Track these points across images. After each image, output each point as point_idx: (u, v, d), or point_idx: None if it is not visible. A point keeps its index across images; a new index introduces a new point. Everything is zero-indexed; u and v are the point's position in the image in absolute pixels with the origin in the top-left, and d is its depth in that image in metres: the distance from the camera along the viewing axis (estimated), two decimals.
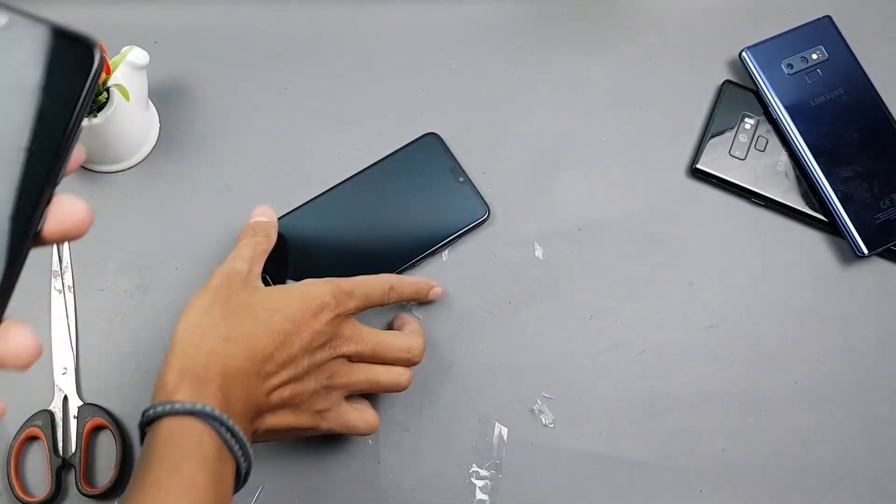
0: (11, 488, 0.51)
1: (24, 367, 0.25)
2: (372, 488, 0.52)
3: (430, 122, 0.60)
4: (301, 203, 0.56)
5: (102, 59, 0.26)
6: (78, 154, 0.26)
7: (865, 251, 0.56)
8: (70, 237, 0.26)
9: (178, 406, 0.38)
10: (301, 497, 0.52)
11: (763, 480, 0.53)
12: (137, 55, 0.54)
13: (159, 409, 0.38)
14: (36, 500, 0.51)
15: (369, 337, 0.47)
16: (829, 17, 0.61)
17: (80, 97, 0.26)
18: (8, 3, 0.26)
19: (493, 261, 0.57)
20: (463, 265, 0.57)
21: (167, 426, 0.38)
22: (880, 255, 0.58)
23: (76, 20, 0.63)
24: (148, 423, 0.39)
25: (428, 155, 0.52)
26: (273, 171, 0.59)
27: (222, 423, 0.38)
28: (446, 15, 0.64)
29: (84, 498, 0.51)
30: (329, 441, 0.53)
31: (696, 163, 0.59)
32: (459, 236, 0.52)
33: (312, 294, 0.45)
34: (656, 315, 0.57)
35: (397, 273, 0.54)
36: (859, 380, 0.56)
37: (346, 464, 0.52)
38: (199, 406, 0.38)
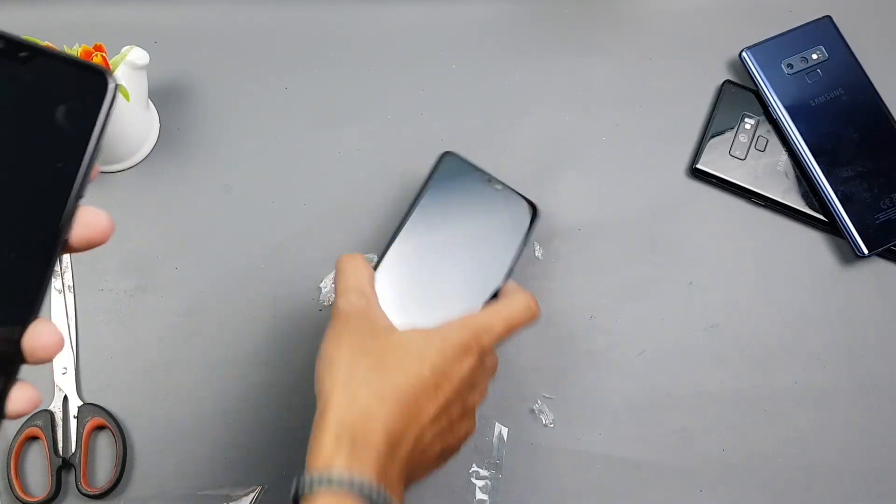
0: (11, 488, 0.51)
1: (48, 359, 0.28)
2: None
3: (429, 122, 0.60)
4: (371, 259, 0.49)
5: (116, 86, 0.29)
6: (95, 167, 0.29)
7: (865, 251, 0.56)
8: (94, 244, 0.29)
9: (335, 477, 0.36)
10: None
11: (763, 480, 0.53)
12: (137, 55, 0.53)
13: (316, 478, 0.36)
14: (36, 499, 0.51)
15: (503, 339, 0.45)
16: (829, 17, 0.61)
17: (98, 121, 0.28)
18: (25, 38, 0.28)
19: None
20: None
21: (323, 501, 0.36)
22: (880, 255, 0.58)
23: (76, 20, 0.64)
24: (303, 488, 0.37)
25: (458, 175, 0.50)
26: (273, 171, 0.59)
27: (378, 501, 0.36)
28: (446, 15, 0.64)
29: (84, 498, 0.51)
30: None
31: (696, 163, 0.59)
32: (525, 241, 0.50)
33: (453, 338, 0.42)
34: (656, 315, 0.57)
35: (488, 301, 0.48)
36: (859, 380, 0.56)
37: None
38: (356, 480, 0.36)
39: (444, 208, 0.49)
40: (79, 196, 0.28)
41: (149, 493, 0.52)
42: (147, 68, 0.55)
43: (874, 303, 0.57)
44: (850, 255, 0.58)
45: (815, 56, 0.60)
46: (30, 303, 0.28)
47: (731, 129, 0.60)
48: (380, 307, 0.44)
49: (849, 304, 0.57)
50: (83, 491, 0.51)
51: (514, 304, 0.45)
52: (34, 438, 0.53)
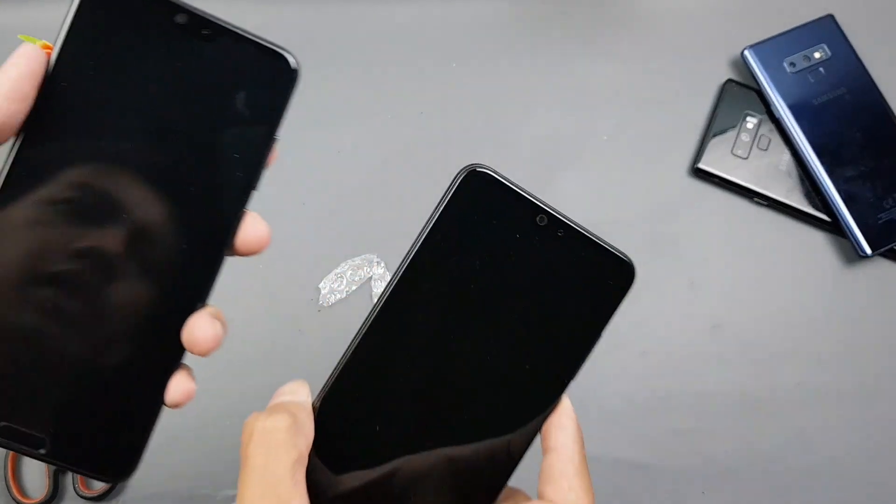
0: (9, 490, 0.51)
1: (204, 352, 0.28)
2: None
3: (429, 122, 0.60)
4: (354, 335, 0.32)
5: (299, 72, 0.28)
6: (273, 155, 0.28)
7: (868, 251, 0.56)
8: (252, 253, 0.28)
9: None
10: None
11: (765, 481, 0.53)
12: None
13: None
14: (33, 501, 0.51)
15: None
16: (831, 16, 0.61)
17: (280, 109, 0.28)
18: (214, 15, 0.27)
19: None
20: None
21: None
22: (883, 255, 0.57)
23: None
24: None
25: (489, 209, 0.29)
26: (272, 171, 0.59)
27: None
28: (446, 15, 0.64)
29: (82, 500, 0.51)
30: None
31: (698, 162, 0.58)
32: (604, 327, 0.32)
33: None
34: (658, 315, 0.56)
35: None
36: (862, 380, 0.55)
37: None
38: None
39: (462, 268, 0.29)
40: (253, 187, 0.28)
41: (147, 494, 0.52)
42: None
43: (877, 303, 0.57)
44: (852, 255, 0.57)
45: (817, 55, 0.59)
46: (194, 295, 0.28)
47: (734, 128, 0.59)
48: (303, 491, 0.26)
49: (851, 304, 0.57)
50: (80, 493, 0.51)
51: (575, 459, 0.29)
52: None
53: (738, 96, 0.60)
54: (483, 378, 0.29)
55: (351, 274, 0.56)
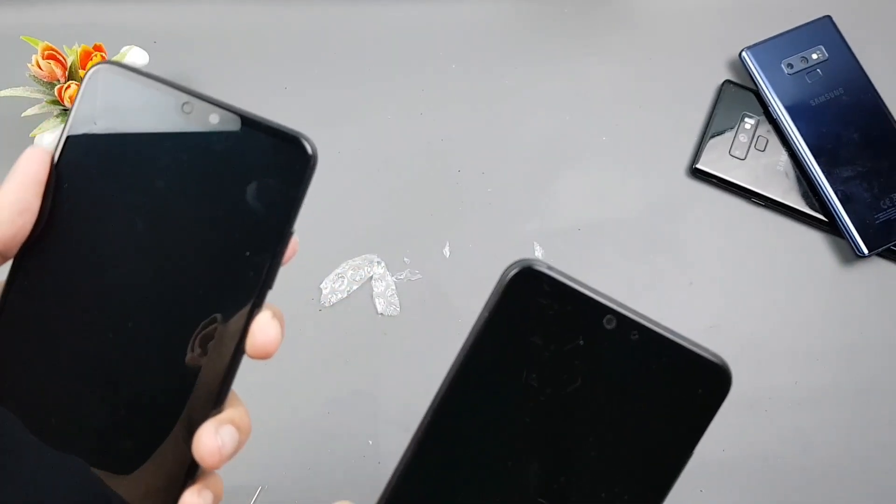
0: None
1: (212, 467, 0.25)
2: (372, 488, 0.52)
3: (429, 122, 0.60)
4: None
5: (316, 157, 0.25)
6: (291, 248, 0.26)
7: (865, 251, 0.56)
8: (259, 358, 0.26)
9: None
10: (301, 497, 0.52)
11: (763, 480, 0.53)
12: (137, 55, 0.54)
13: None
14: None
15: None
16: (829, 17, 0.61)
17: (296, 200, 0.25)
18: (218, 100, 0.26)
19: (494, 261, 0.57)
20: (463, 265, 0.57)
21: None
22: (880, 255, 0.58)
23: (76, 20, 0.64)
24: None
25: (552, 312, 0.25)
26: None
27: None
28: (446, 15, 0.64)
29: None
30: (329, 441, 0.53)
31: (696, 163, 0.59)
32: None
33: None
34: (656, 315, 0.56)
35: None
36: (860, 380, 0.55)
37: (346, 464, 0.52)
38: None
39: (517, 385, 0.25)
40: (268, 287, 0.25)
41: None
42: (147, 68, 0.55)
43: (874, 303, 0.57)
44: (850, 255, 0.58)
45: (815, 56, 0.60)
46: (206, 403, 0.26)
47: (731, 129, 0.59)
48: None
49: (849, 304, 0.57)
50: None
51: None
52: None
53: (736, 97, 0.60)
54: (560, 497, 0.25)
55: (352, 274, 0.56)
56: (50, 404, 0.25)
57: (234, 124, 0.25)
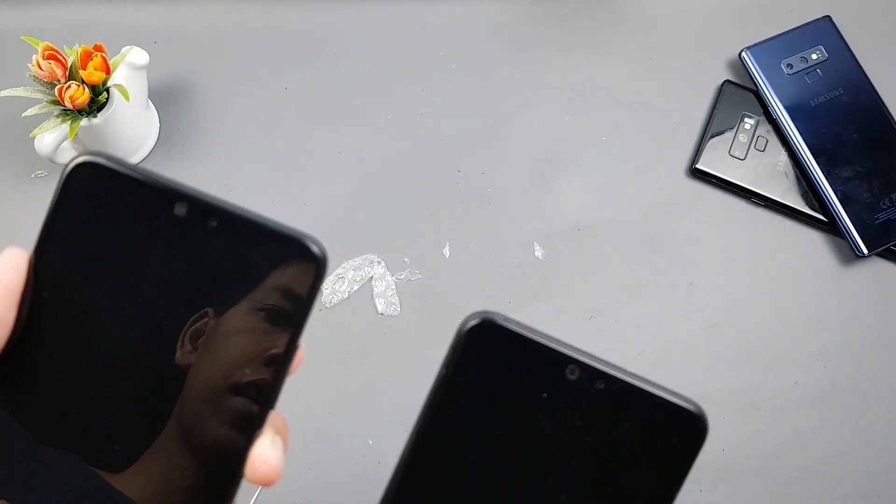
0: None
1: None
2: (372, 488, 0.52)
3: (429, 122, 0.60)
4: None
5: (326, 261, 0.24)
6: (297, 359, 0.24)
7: (865, 251, 0.56)
8: (261, 484, 0.25)
9: None
10: (301, 497, 0.52)
11: (763, 480, 0.53)
12: (137, 55, 0.54)
13: None
14: None
15: None
16: (828, 17, 0.61)
17: (304, 308, 0.23)
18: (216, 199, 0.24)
19: (494, 261, 0.57)
20: (463, 265, 0.57)
21: None
22: (880, 255, 0.58)
23: (76, 20, 0.64)
24: None
25: (510, 365, 0.24)
26: (273, 171, 0.59)
27: None
28: (446, 15, 0.64)
29: None
30: (329, 441, 0.53)
31: (696, 163, 0.59)
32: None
33: None
34: (656, 315, 0.57)
35: None
36: (859, 379, 0.56)
37: (346, 464, 0.52)
38: None
39: (482, 441, 0.24)
40: (270, 407, 0.24)
41: None
42: (147, 68, 0.55)
43: (874, 303, 0.57)
44: (849, 255, 0.58)
45: (814, 56, 0.60)
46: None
47: (731, 129, 0.60)
48: None
49: (848, 304, 0.57)
50: None
51: None
52: None
53: (736, 97, 0.60)
54: None
55: (352, 274, 0.56)
56: (50, 406, 0.25)
57: (234, 226, 0.23)
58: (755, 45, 0.60)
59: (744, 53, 0.60)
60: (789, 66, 0.60)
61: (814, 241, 0.59)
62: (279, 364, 0.24)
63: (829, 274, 0.58)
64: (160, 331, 0.23)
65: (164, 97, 0.61)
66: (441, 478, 0.24)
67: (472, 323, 0.23)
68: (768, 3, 0.64)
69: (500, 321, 0.23)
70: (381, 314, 0.56)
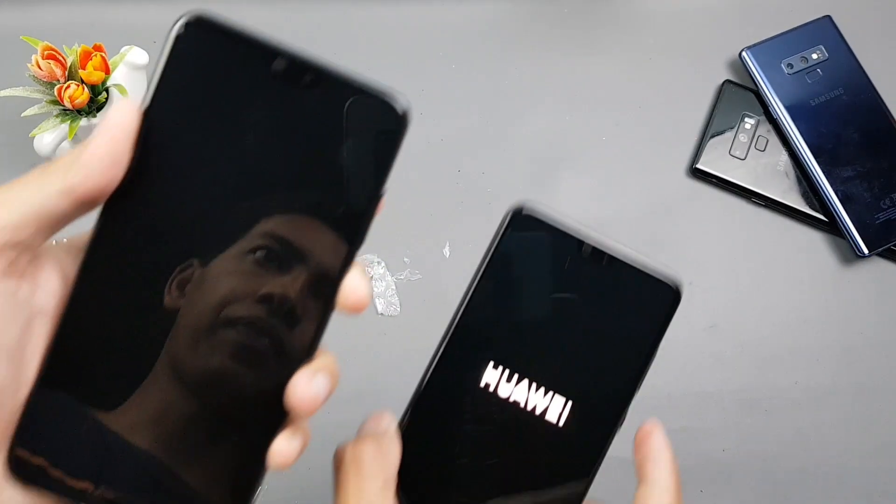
0: None
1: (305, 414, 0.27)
2: None
3: (429, 122, 0.60)
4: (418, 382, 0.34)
5: (409, 115, 0.26)
6: (380, 205, 0.26)
7: (866, 251, 0.56)
8: (350, 312, 0.27)
9: None
10: (301, 497, 0.52)
11: (763, 481, 0.53)
12: (137, 55, 0.53)
13: None
14: None
15: None
16: (829, 17, 0.61)
17: (388, 161, 0.26)
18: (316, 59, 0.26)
19: None
20: (463, 265, 0.57)
21: None
22: (880, 255, 0.58)
23: (76, 20, 0.64)
24: None
25: (537, 249, 0.31)
26: None
27: None
28: (446, 15, 0.64)
29: None
30: (329, 441, 0.53)
31: (697, 163, 0.59)
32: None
33: None
34: None
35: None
36: (859, 379, 0.55)
37: None
38: None
39: (516, 306, 0.30)
40: (357, 245, 0.26)
41: None
42: (146, 68, 0.55)
43: (874, 303, 0.57)
44: (850, 255, 0.58)
45: (815, 56, 0.60)
46: (301, 354, 0.27)
47: (732, 128, 0.59)
48: None
49: (849, 304, 0.57)
50: None
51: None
52: None
53: (736, 97, 0.60)
54: (545, 408, 0.30)
55: None
56: (118, 381, 0.26)
57: (328, 83, 0.25)
58: (755, 44, 0.60)
59: (744, 53, 0.60)
60: (790, 65, 0.59)
61: (814, 241, 0.59)
62: (366, 209, 0.26)
63: (829, 274, 0.58)
64: (255, 183, 0.25)
65: None
66: (486, 336, 0.31)
67: (515, 211, 0.31)
68: (769, 2, 0.64)
69: (534, 211, 0.30)
70: (381, 314, 0.56)
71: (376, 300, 0.56)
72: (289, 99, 0.25)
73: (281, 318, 0.26)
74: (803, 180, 0.58)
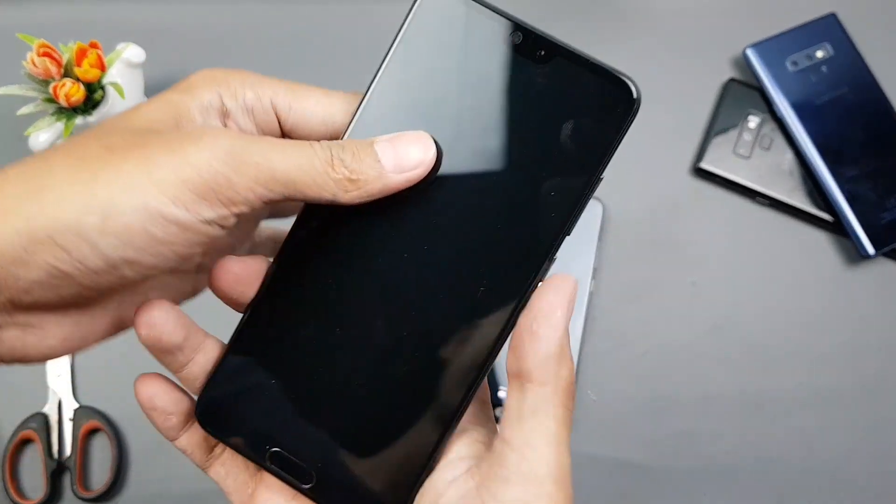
0: (6, 491, 0.50)
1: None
2: None
3: None
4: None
5: (639, 102, 0.25)
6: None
7: (871, 251, 0.55)
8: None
9: None
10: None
11: (769, 483, 0.53)
12: (133, 52, 0.53)
13: None
14: (31, 503, 0.50)
15: None
16: (834, 15, 0.60)
17: (612, 145, 0.25)
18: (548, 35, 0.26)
19: None
20: None
21: None
22: (886, 255, 0.57)
23: (72, 17, 0.63)
24: None
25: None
26: None
27: None
28: None
29: (80, 501, 0.51)
30: None
31: (700, 162, 0.58)
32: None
33: None
34: (659, 316, 0.56)
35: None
36: (864, 381, 0.55)
37: None
38: None
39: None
40: (568, 233, 0.25)
41: (144, 495, 0.52)
42: (143, 66, 0.54)
43: (879, 303, 0.57)
44: (855, 255, 0.57)
45: (820, 53, 0.59)
46: (492, 352, 0.25)
47: (736, 127, 0.59)
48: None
49: (854, 304, 0.57)
50: (78, 494, 0.50)
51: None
52: (28, 441, 0.52)
53: (740, 95, 0.60)
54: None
55: None
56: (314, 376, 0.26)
57: (560, 59, 0.25)
58: (759, 42, 0.59)
59: (748, 51, 0.59)
60: (794, 63, 0.59)
61: (819, 241, 0.58)
62: (580, 192, 0.25)
63: (834, 274, 0.57)
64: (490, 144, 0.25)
65: None
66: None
67: None
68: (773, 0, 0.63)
69: None
70: None
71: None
72: (520, 71, 0.25)
73: (474, 308, 0.25)
74: (808, 179, 0.58)
